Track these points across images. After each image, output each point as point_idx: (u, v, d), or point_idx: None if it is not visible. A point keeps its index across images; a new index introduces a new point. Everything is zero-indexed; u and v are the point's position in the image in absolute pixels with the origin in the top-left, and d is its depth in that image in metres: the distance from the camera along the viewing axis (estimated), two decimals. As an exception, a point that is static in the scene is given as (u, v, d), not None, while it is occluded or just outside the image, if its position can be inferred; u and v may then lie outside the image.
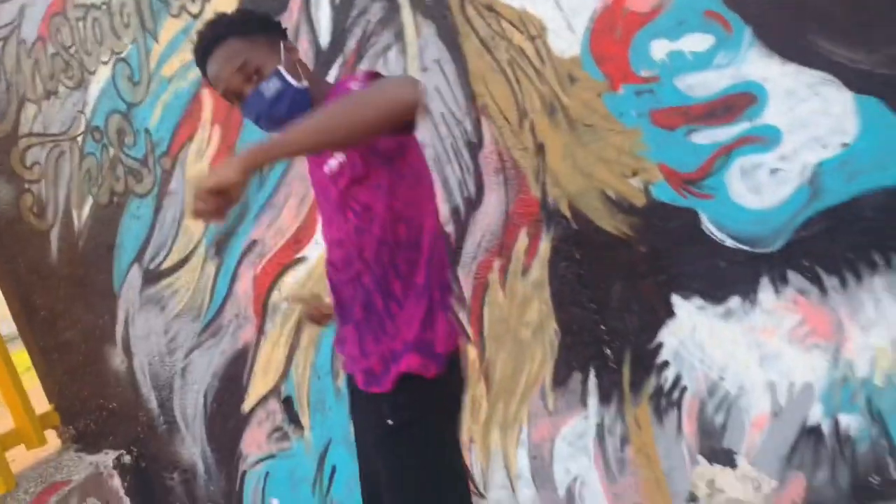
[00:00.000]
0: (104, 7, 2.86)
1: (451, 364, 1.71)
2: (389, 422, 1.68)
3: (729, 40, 2.28)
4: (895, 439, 2.37)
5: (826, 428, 2.42)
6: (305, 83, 1.71)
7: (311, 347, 2.90)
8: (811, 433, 2.43)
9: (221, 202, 1.25)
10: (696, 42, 2.30)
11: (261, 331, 2.95)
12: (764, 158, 2.31)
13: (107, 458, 3.17)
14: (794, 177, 2.29)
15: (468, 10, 2.46)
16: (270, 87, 1.66)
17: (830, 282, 2.33)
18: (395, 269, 1.66)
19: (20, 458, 3.22)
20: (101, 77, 2.92)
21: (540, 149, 2.49)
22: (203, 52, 1.71)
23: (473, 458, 2.79)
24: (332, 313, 1.97)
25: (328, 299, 1.95)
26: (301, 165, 2.75)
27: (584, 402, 2.62)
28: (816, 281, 2.35)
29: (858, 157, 2.23)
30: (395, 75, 1.44)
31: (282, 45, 1.72)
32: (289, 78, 1.68)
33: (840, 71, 2.21)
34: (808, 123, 2.26)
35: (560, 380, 2.63)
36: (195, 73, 2.82)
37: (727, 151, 2.33)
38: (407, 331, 1.65)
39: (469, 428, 2.75)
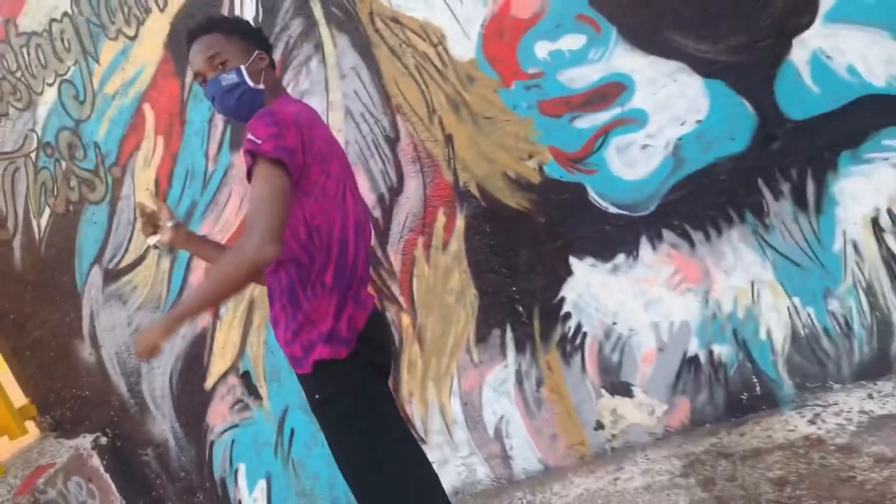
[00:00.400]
0: (45, 34, 3.03)
1: (361, 339, 1.92)
2: (316, 396, 1.97)
3: (599, 39, 2.61)
4: (758, 362, 2.78)
5: (702, 357, 2.81)
6: (261, 86, 1.98)
7: (263, 327, 3.17)
8: (691, 363, 2.82)
9: (157, 352, 1.83)
10: (572, 42, 2.62)
11: (216, 315, 3.21)
12: (635, 137, 2.66)
13: (85, 441, 3.40)
14: (660, 150, 2.65)
15: (377, 23, 2.73)
16: (228, 78, 1.93)
17: (696, 236, 2.72)
18: (308, 270, 1.87)
19: (5, 447, 3.43)
20: (48, 98, 3.10)
21: (449, 140, 2.79)
22: (191, 37, 1.99)
23: (414, 409, 3.11)
24: (164, 226, 2.20)
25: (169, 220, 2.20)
26: (240, 168, 3.00)
27: (503, 354, 2.96)
28: (685, 236, 2.72)
29: (710, 131, 2.60)
30: (248, 238, 1.68)
31: (256, 53, 1.99)
32: (245, 76, 1.95)
33: (691, 60, 2.56)
34: (668, 105, 2.61)
35: (482, 336, 2.96)
36: (136, 89, 3.04)
37: (604, 133, 2.67)
38: (322, 323, 1.86)
39: (407, 383, 3.07)
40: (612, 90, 2.63)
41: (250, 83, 1.94)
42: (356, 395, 1.94)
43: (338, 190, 1.91)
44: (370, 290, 2.08)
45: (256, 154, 1.74)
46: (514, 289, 2.88)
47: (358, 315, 1.93)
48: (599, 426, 2.96)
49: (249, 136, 1.75)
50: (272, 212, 1.71)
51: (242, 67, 1.93)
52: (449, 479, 3.10)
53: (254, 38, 2.03)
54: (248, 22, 2.15)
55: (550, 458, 3.02)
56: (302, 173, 1.81)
